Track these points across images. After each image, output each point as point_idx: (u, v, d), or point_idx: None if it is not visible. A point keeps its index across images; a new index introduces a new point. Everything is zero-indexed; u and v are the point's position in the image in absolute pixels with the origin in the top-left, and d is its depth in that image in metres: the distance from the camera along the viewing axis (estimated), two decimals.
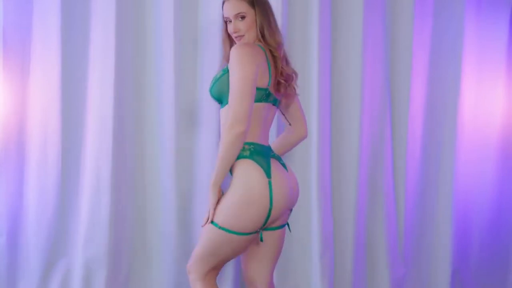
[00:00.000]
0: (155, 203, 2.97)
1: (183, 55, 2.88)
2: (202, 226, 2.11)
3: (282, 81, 2.17)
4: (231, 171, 2.12)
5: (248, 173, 2.07)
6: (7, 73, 2.84)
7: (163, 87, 2.89)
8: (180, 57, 2.86)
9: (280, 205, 2.10)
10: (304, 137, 2.44)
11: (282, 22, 2.87)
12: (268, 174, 2.08)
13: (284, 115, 2.37)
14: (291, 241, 3.05)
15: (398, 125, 3.16)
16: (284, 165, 2.21)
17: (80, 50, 2.88)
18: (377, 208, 3.16)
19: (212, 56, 2.86)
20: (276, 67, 2.17)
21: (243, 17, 2.15)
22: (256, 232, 2.10)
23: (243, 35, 2.16)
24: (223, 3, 2.19)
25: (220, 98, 2.16)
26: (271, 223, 2.14)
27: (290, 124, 2.39)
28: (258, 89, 2.09)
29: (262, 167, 2.09)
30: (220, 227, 2.05)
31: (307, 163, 3.00)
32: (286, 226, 2.27)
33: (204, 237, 2.10)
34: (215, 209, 2.07)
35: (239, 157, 2.09)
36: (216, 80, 2.14)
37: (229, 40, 2.26)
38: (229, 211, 2.05)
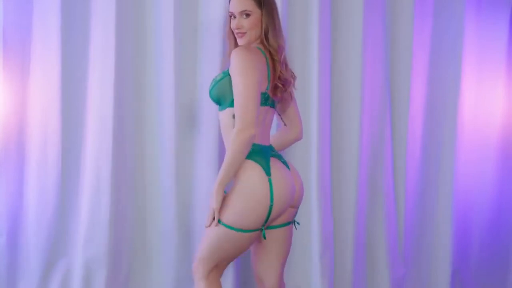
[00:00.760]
0: (155, 203, 2.97)
1: (183, 55, 2.88)
2: (206, 227, 2.12)
3: (280, 85, 2.18)
4: None
5: (249, 172, 2.10)
6: (7, 73, 2.84)
7: (163, 87, 2.89)
8: (180, 57, 2.86)
9: (280, 202, 2.12)
10: (299, 138, 2.46)
11: (282, 22, 2.87)
12: (267, 172, 2.11)
13: (280, 115, 2.38)
14: (292, 241, 3.05)
15: (398, 125, 3.16)
16: (285, 163, 2.23)
17: (80, 50, 2.88)
18: (377, 208, 3.16)
19: (212, 56, 2.86)
20: (275, 70, 2.18)
21: (248, 15, 2.15)
22: (259, 229, 2.12)
23: (245, 33, 2.17)
24: None
25: (220, 101, 2.17)
26: (273, 220, 2.16)
27: (285, 125, 2.41)
28: None
29: (261, 166, 2.11)
30: (224, 225, 2.08)
31: (307, 163, 3.00)
32: (293, 224, 2.28)
33: (207, 236, 2.13)
34: (219, 209, 2.09)
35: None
36: (216, 83, 2.15)
37: (233, 36, 2.25)
38: (232, 209, 2.08)
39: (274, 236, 2.23)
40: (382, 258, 3.17)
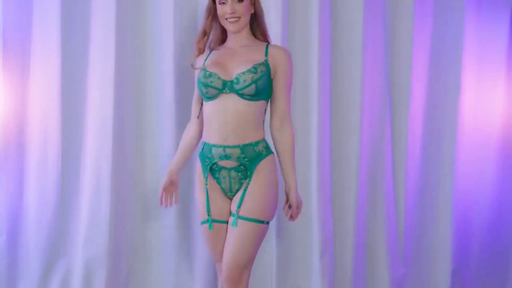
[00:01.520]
0: (155, 203, 2.97)
1: (183, 55, 2.88)
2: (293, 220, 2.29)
3: None
4: (257, 163, 2.19)
5: (275, 167, 2.25)
6: (7, 73, 2.84)
7: (163, 87, 2.89)
8: (180, 57, 2.86)
9: None
10: None
11: (282, 22, 2.88)
12: None
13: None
14: (291, 241, 3.05)
15: (398, 125, 3.16)
16: None
17: (80, 50, 2.88)
18: (377, 208, 3.16)
19: None
20: None
21: (241, 0, 2.17)
22: None
23: (239, 18, 2.18)
24: None
25: (258, 92, 2.16)
26: None
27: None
28: None
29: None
30: (266, 223, 2.17)
31: (307, 163, 3.00)
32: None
33: (249, 238, 2.12)
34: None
35: (268, 152, 2.24)
36: (260, 78, 2.15)
37: (219, 23, 2.25)
38: (271, 204, 2.19)
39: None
40: (382, 258, 3.17)
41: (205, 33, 2.25)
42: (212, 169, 2.23)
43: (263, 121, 2.25)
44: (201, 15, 2.89)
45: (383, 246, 3.16)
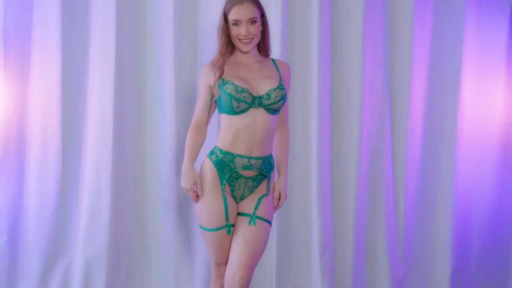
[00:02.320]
0: (155, 204, 2.97)
1: (183, 55, 2.88)
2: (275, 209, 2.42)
3: None
4: (270, 173, 2.38)
5: None
6: (7, 73, 2.84)
7: (163, 87, 2.89)
8: (180, 57, 2.86)
9: None
10: None
11: (282, 23, 2.88)
12: None
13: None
14: (291, 241, 3.05)
15: (398, 125, 3.16)
16: None
17: (80, 50, 2.88)
18: (377, 208, 3.16)
19: (212, 56, 2.85)
20: None
21: (254, 22, 2.29)
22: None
23: (253, 38, 2.30)
24: (233, 6, 2.28)
25: (280, 109, 2.35)
26: None
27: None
28: None
29: None
30: (271, 224, 2.36)
31: (307, 163, 3.00)
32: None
33: (263, 239, 2.29)
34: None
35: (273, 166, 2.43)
36: (286, 95, 2.34)
37: (231, 43, 2.34)
38: (273, 208, 2.40)
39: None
40: (382, 258, 3.17)
41: (222, 54, 2.32)
42: (231, 177, 2.31)
43: None
44: (201, 15, 2.91)
45: (383, 246, 3.16)
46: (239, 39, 2.29)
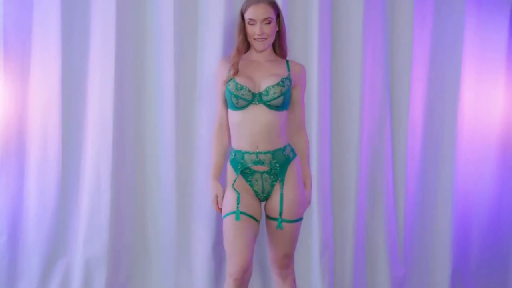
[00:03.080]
0: (155, 203, 2.97)
1: (183, 55, 2.88)
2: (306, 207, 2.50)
3: None
4: (286, 166, 2.41)
5: (300, 167, 2.50)
6: (7, 74, 2.84)
7: (163, 87, 2.89)
8: (180, 57, 2.86)
9: None
10: None
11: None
12: None
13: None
14: None
15: (398, 125, 3.16)
16: None
17: (80, 50, 2.88)
18: (377, 208, 3.16)
19: (212, 56, 2.86)
20: None
21: (269, 22, 2.37)
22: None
23: (267, 38, 2.38)
24: (250, 5, 2.37)
25: (284, 103, 2.39)
26: None
27: None
28: None
29: None
30: (302, 218, 2.46)
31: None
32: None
33: (296, 233, 2.44)
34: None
35: (294, 154, 2.47)
36: (287, 91, 2.38)
37: (246, 41, 2.43)
38: (303, 201, 2.45)
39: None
40: (382, 258, 3.17)
41: (239, 51, 2.42)
42: (245, 173, 2.42)
43: (285, 128, 2.47)
44: (201, 14, 2.91)
45: (383, 246, 3.16)
46: (254, 38, 2.38)
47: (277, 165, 2.39)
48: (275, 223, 2.40)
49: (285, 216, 2.39)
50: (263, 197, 2.45)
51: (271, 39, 2.40)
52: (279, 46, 2.48)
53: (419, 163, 3.26)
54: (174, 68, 2.85)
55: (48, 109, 2.87)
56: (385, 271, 3.17)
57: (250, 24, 2.37)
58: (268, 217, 2.46)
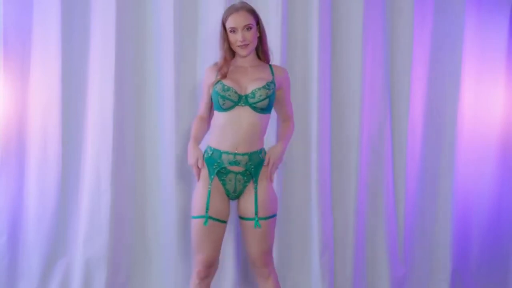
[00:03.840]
0: (155, 203, 2.97)
1: (183, 55, 2.88)
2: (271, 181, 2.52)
3: None
4: (260, 168, 2.49)
5: None
6: (7, 73, 2.84)
7: (163, 87, 2.89)
8: (180, 57, 2.86)
9: None
10: None
11: (282, 23, 2.88)
12: None
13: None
14: (291, 240, 3.05)
15: (398, 125, 3.16)
16: None
17: (80, 50, 2.88)
18: (377, 208, 3.16)
19: (212, 56, 2.86)
20: None
21: (250, 28, 2.45)
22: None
23: (249, 44, 2.46)
24: (230, 14, 2.45)
25: (267, 108, 2.47)
26: None
27: None
28: None
29: None
30: (276, 214, 2.52)
31: (307, 163, 3.00)
32: None
33: (272, 229, 2.49)
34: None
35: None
36: (273, 94, 2.47)
37: (231, 49, 2.50)
38: (276, 198, 2.53)
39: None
40: (382, 258, 3.17)
41: (226, 60, 2.50)
42: (220, 172, 2.46)
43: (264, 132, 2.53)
44: (201, 14, 2.92)
45: (383, 246, 3.16)
46: (237, 45, 2.46)
47: (252, 166, 2.46)
48: (250, 223, 2.45)
49: (260, 214, 2.45)
50: (234, 196, 2.51)
51: (253, 45, 2.49)
52: (262, 51, 2.56)
53: (419, 163, 3.26)
54: (174, 68, 2.85)
55: (48, 109, 2.87)
56: (385, 271, 3.17)
57: (232, 32, 2.45)
58: (241, 218, 2.50)
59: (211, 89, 2.48)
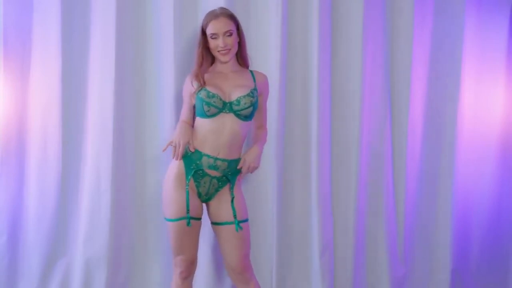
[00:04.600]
0: (155, 204, 2.97)
1: (183, 55, 2.88)
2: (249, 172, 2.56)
3: None
4: (236, 175, 2.54)
5: None
6: (7, 73, 2.84)
7: (163, 87, 2.89)
8: (180, 57, 2.86)
9: None
10: None
11: (282, 23, 2.88)
12: None
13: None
14: (291, 241, 3.05)
15: (398, 125, 3.16)
16: None
17: (80, 50, 2.88)
18: (377, 208, 3.16)
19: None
20: None
21: (230, 34, 2.48)
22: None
23: (230, 49, 2.49)
24: (210, 21, 2.47)
25: (250, 116, 2.51)
26: None
27: None
28: None
29: None
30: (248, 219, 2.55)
31: (307, 163, 3.00)
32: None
33: (248, 233, 2.51)
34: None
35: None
36: (256, 102, 2.51)
37: (210, 54, 2.54)
38: (245, 204, 2.57)
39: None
40: (382, 258, 3.17)
41: (201, 64, 2.52)
42: (196, 174, 2.48)
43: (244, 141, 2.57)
44: (201, 14, 2.91)
45: (383, 246, 3.16)
46: (218, 51, 2.48)
47: (230, 173, 2.50)
48: (227, 227, 2.47)
49: (239, 217, 2.48)
50: (204, 199, 2.53)
51: (234, 50, 2.51)
52: (241, 57, 2.58)
53: (419, 163, 3.26)
54: (174, 68, 2.85)
55: (48, 109, 2.87)
56: (385, 271, 3.17)
57: (212, 38, 2.48)
58: (216, 223, 2.52)
59: (193, 96, 2.50)
